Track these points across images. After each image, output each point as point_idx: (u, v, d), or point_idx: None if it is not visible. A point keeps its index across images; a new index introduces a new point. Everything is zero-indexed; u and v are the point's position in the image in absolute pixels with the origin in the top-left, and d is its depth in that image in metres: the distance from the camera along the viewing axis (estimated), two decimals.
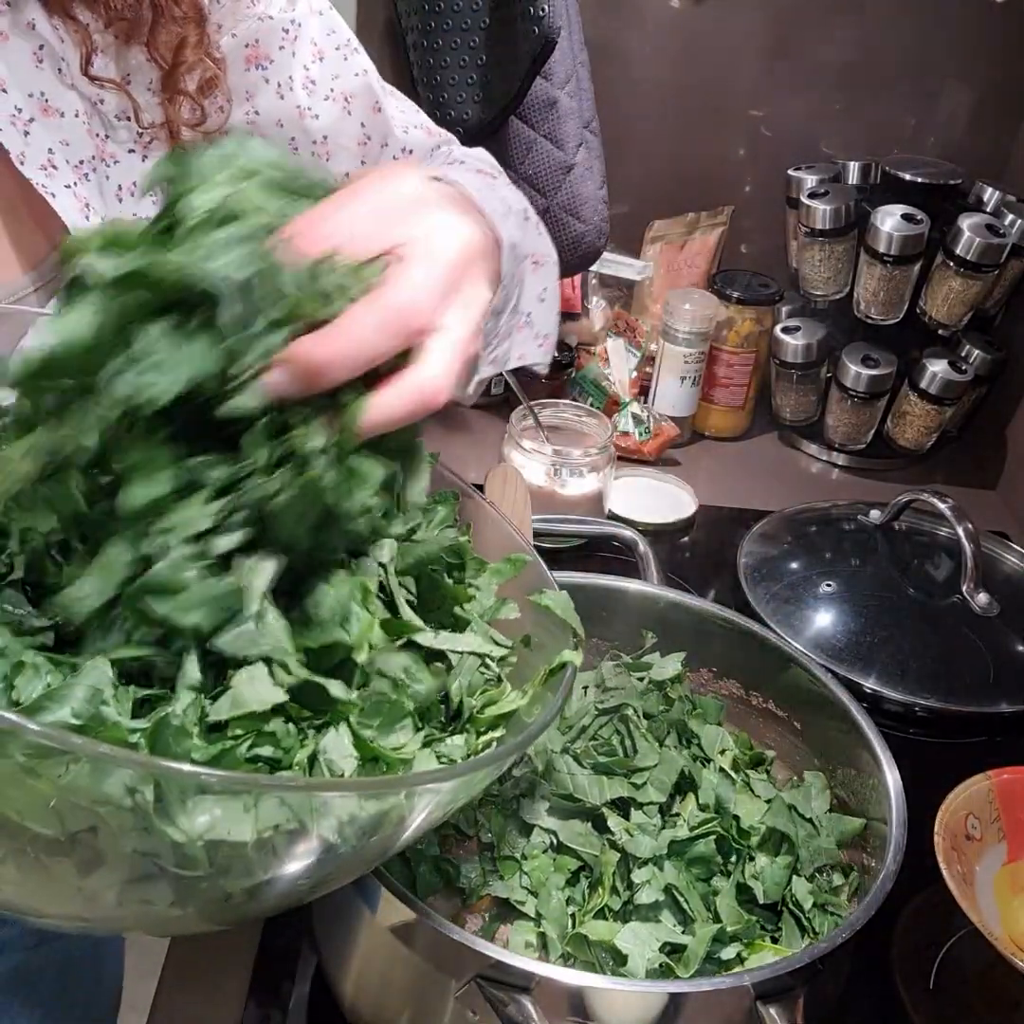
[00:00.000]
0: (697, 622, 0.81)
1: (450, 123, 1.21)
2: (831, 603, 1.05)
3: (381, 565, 0.53)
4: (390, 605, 0.54)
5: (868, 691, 0.98)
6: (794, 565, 1.10)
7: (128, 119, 0.74)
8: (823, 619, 1.04)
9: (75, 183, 0.71)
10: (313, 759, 0.46)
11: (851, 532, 1.15)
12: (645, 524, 1.18)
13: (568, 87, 1.18)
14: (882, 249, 1.22)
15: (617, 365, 1.35)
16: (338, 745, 0.47)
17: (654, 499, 1.24)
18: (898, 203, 1.22)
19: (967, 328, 1.29)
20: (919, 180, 1.25)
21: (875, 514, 1.15)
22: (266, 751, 0.45)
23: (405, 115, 0.88)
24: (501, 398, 1.39)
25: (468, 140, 1.21)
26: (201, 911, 0.48)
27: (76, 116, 0.70)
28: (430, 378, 0.49)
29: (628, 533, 0.92)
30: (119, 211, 0.76)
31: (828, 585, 1.07)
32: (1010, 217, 1.24)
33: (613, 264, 1.37)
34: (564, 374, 1.36)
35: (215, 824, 0.40)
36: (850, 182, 1.31)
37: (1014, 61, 1.32)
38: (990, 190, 1.28)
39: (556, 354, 1.35)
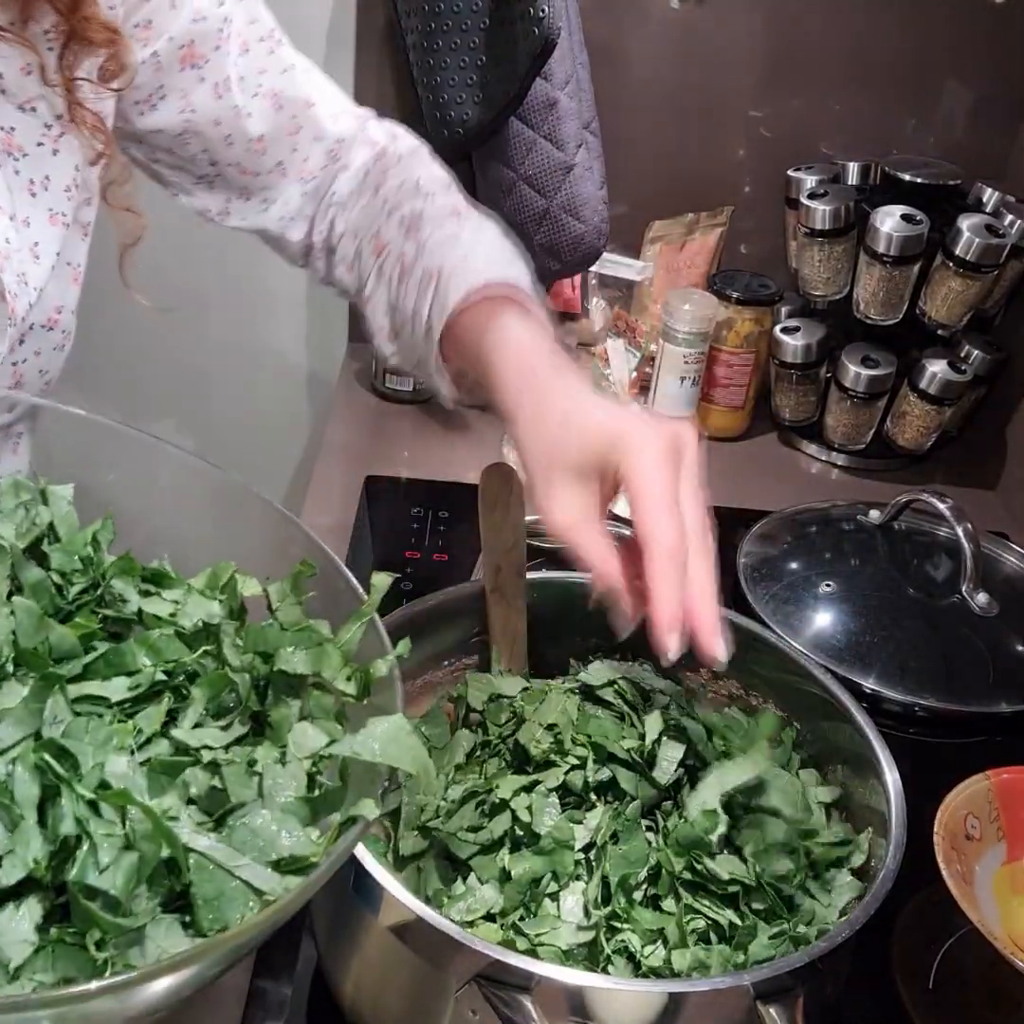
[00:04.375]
0: None
1: (450, 123, 1.21)
2: (831, 603, 1.05)
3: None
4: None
5: (868, 691, 0.98)
6: (794, 565, 1.10)
7: (33, 110, 0.74)
8: (823, 619, 1.04)
9: None
10: None
11: (851, 532, 1.15)
12: None
13: (568, 87, 1.18)
14: (882, 249, 1.22)
15: (617, 365, 1.35)
16: (13, 926, 0.39)
17: None
18: (898, 203, 1.22)
19: (967, 328, 1.29)
20: (919, 180, 1.25)
21: (875, 514, 1.15)
22: None
23: (330, 102, 0.90)
24: None
25: (468, 140, 1.21)
26: None
27: None
28: None
29: (628, 533, 0.92)
30: (32, 206, 0.76)
31: (828, 585, 1.07)
32: (1010, 217, 1.24)
33: (613, 264, 1.37)
34: None
35: None
36: (850, 182, 1.31)
37: (1014, 61, 1.32)
38: (990, 190, 1.28)
39: None
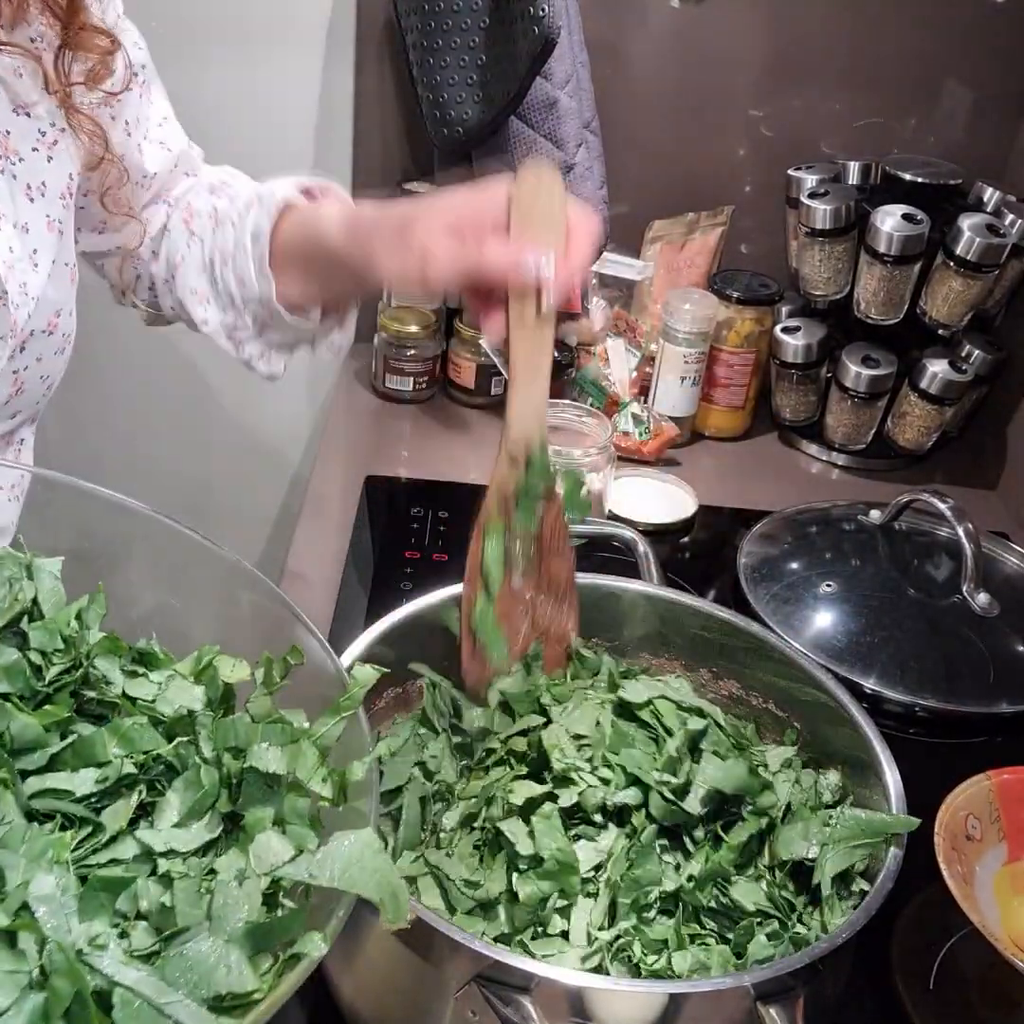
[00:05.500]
0: (697, 622, 0.81)
1: (450, 123, 1.21)
2: (831, 603, 1.05)
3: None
4: None
5: (868, 691, 0.98)
6: (794, 565, 1.10)
7: (27, 115, 0.74)
8: (823, 619, 1.04)
9: None
10: None
11: (851, 532, 1.15)
12: (645, 524, 1.18)
13: (568, 87, 1.18)
14: (882, 249, 1.21)
15: (617, 365, 1.35)
16: None
17: (654, 499, 1.24)
18: (898, 203, 1.22)
19: (967, 328, 1.29)
20: (919, 180, 1.25)
21: (875, 514, 1.15)
22: None
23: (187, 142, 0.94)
24: (501, 398, 1.38)
25: (468, 139, 1.21)
26: None
27: None
28: None
29: (628, 533, 0.92)
30: (31, 213, 0.76)
31: (828, 585, 1.07)
32: (1010, 217, 1.23)
33: (613, 264, 1.37)
34: (564, 374, 1.36)
35: None
36: (850, 182, 1.31)
37: (1014, 61, 1.32)
38: (990, 190, 1.28)
39: (555, 354, 1.36)
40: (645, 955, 0.63)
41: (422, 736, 0.75)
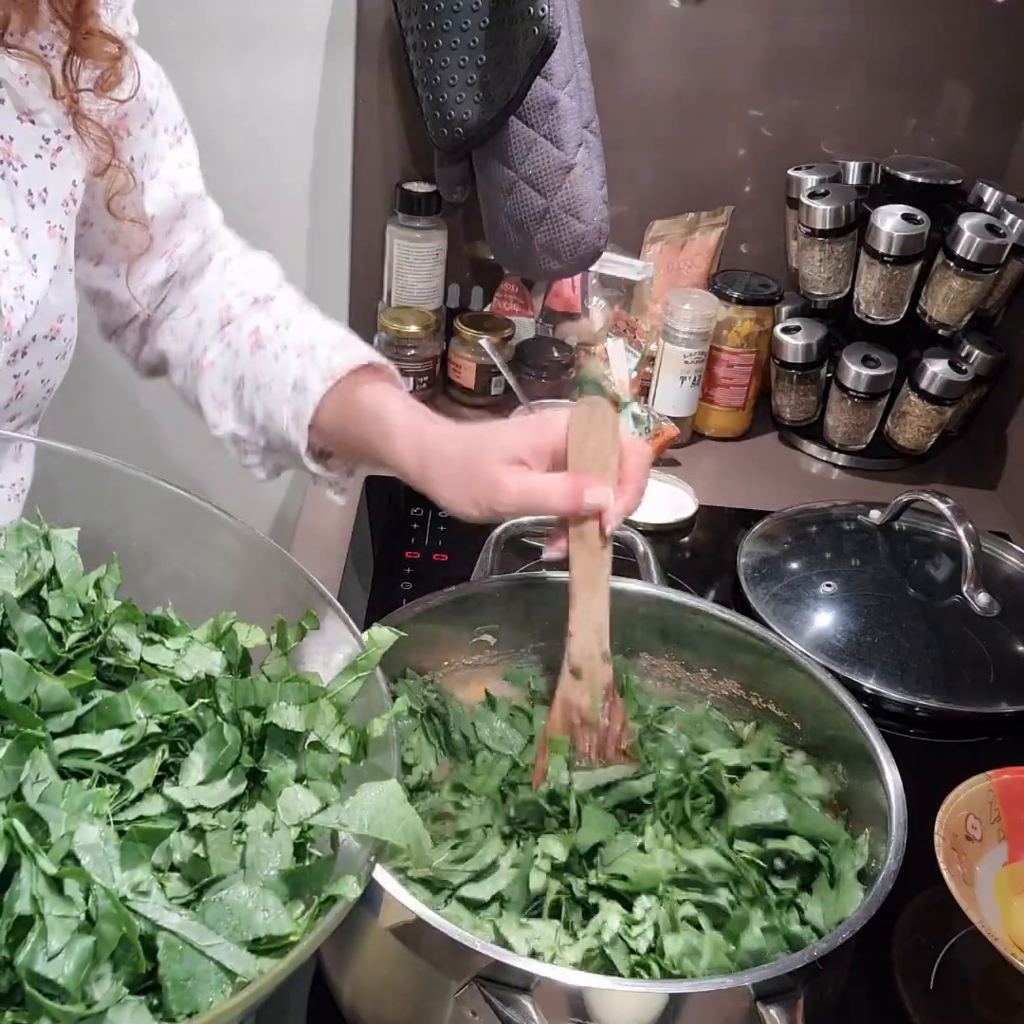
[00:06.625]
0: (697, 622, 0.81)
1: (450, 123, 1.21)
2: (831, 603, 1.05)
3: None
4: None
5: (868, 691, 0.98)
6: (794, 565, 1.10)
7: (32, 122, 0.74)
8: (823, 619, 1.04)
9: None
10: None
11: (851, 532, 1.15)
12: (645, 524, 1.18)
13: (568, 87, 1.18)
14: (882, 249, 1.21)
15: (617, 365, 1.35)
16: None
17: (654, 499, 1.24)
18: (898, 203, 1.22)
19: (967, 328, 1.29)
20: (919, 180, 1.25)
21: (875, 514, 1.15)
22: None
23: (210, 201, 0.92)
24: (501, 398, 1.39)
25: (468, 140, 1.21)
26: None
27: None
28: None
29: (628, 533, 0.92)
30: (32, 219, 0.76)
31: (828, 585, 1.07)
32: (1010, 217, 1.23)
33: (613, 264, 1.37)
34: (564, 374, 1.36)
35: None
36: (850, 182, 1.31)
37: (1014, 61, 1.32)
38: (990, 190, 1.28)
39: (555, 354, 1.36)
40: (628, 927, 0.63)
41: (401, 729, 0.76)
